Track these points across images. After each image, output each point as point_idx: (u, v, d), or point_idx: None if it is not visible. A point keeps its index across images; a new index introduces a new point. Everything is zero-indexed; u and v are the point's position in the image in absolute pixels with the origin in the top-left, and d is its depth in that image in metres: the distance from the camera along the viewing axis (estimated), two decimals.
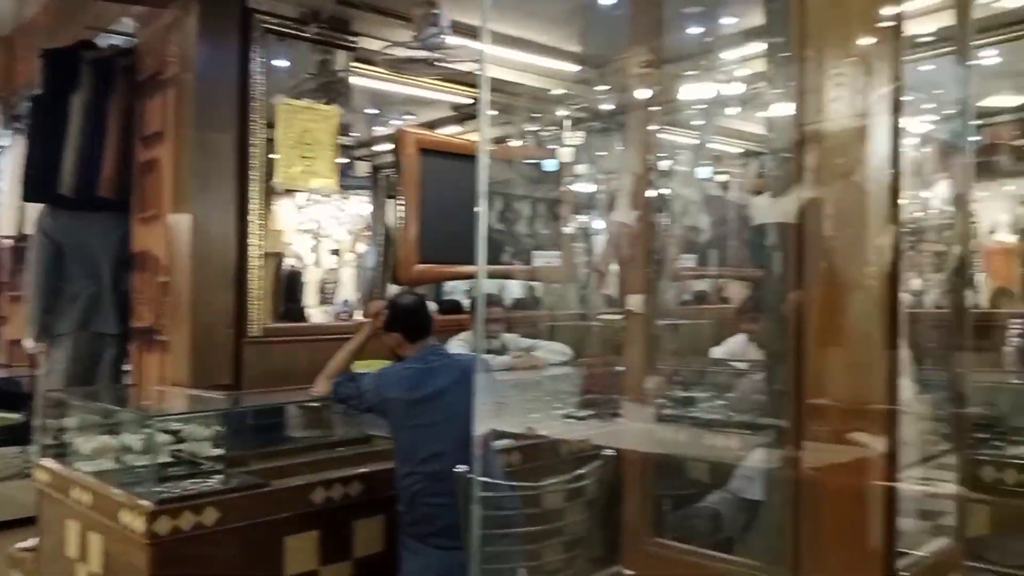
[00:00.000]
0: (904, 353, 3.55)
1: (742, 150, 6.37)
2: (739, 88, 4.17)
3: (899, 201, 1.49)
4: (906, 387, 3.33)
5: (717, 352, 4.22)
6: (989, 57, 4.31)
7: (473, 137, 5.46)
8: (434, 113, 5.60)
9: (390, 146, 5.17)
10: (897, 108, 1.50)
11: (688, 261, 6.08)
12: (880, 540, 1.43)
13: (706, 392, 3.61)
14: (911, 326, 3.29)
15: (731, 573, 1.68)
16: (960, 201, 2.43)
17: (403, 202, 4.47)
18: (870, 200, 1.45)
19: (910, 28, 2.81)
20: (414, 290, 3.60)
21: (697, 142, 5.38)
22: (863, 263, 1.43)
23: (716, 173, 6.26)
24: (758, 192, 5.56)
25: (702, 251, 6.02)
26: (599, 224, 5.77)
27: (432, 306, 4.18)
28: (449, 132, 5.41)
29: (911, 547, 1.74)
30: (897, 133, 1.50)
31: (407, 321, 2.84)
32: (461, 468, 2.26)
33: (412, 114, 5.84)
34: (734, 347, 4.11)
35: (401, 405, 2.69)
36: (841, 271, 1.46)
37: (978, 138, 6.72)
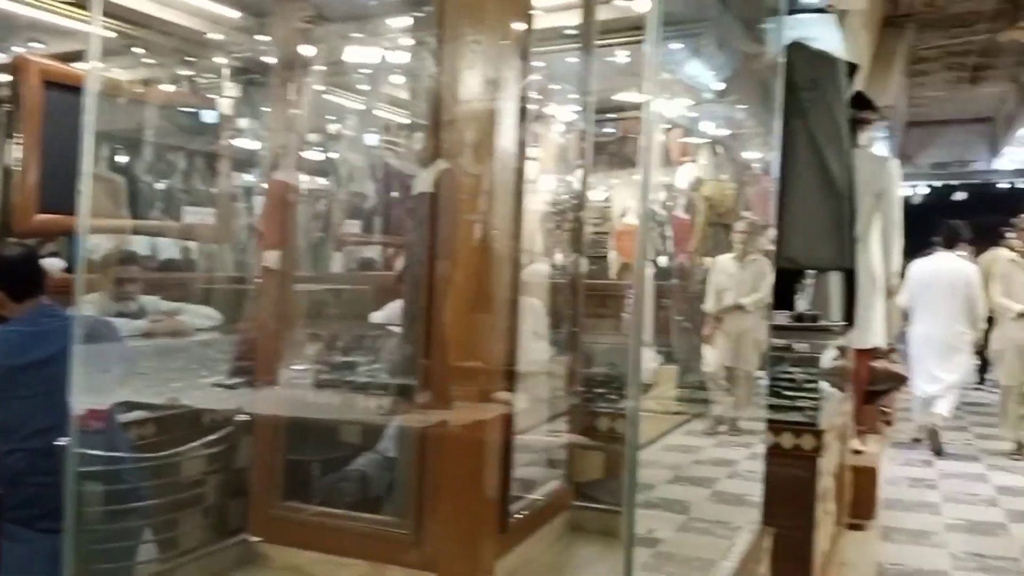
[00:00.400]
0: (542, 319, 3.86)
1: (408, 120, 6.45)
2: (404, 57, 4.19)
3: (525, 179, 1.58)
4: (542, 350, 3.63)
5: (376, 317, 4.27)
6: (623, 56, 4.83)
7: (119, 74, 4.92)
8: (70, 44, 4.93)
9: (8, 77, 4.45)
10: (525, 92, 1.58)
11: (354, 227, 6.06)
12: (495, 488, 1.52)
13: (365, 356, 3.64)
14: (552, 295, 3.59)
15: (357, 530, 1.70)
16: (586, 185, 2.66)
17: (23, 141, 3.88)
18: (497, 176, 1.52)
19: (556, 21, 3.03)
20: (25, 242, 3.15)
21: (364, 108, 5.36)
22: (488, 234, 1.50)
23: (384, 141, 6.29)
24: (419, 162, 5.67)
25: (368, 218, 6.03)
26: (262, 182, 5.52)
27: (57, 263, 3.69)
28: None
29: (528, 492, 1.89)
30: (525, 115, 1.58)
31: (10, 277, 2.47)
32: (63, 441, 2.02)
33: (41, 43, 5.09)
34: (391, 312, 4.18)
35: (1, 373, 2.34)
36: (468, 241, 1.52)
37: (612, 130, 7.55)
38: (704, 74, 5.90)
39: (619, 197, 8.04)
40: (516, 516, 1.67)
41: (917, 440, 7.11)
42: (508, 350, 1.53)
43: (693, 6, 4.01)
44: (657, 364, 7.88)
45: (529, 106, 1.56)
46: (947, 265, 7.00)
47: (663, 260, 8.03)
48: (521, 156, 1.51)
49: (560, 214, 7.79)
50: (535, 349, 3.34)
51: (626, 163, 7.58)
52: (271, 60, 5.04)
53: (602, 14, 2.47)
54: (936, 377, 6.98)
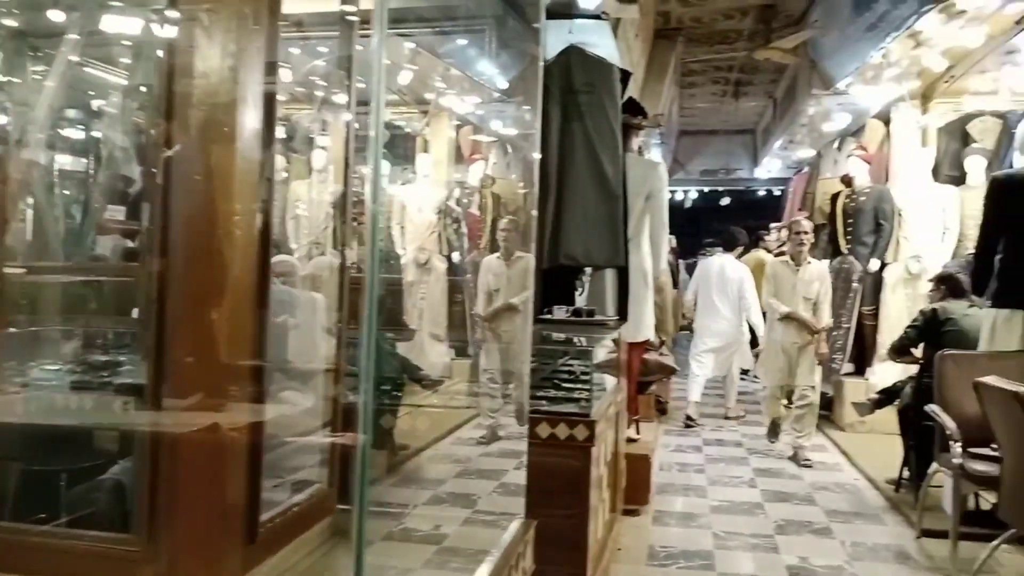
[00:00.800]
0: (327, 314, 3.70)
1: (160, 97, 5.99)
2: (172, 31, 3.88)
3: (274, 168, 1.47)
4: (324, 344, 3.48)
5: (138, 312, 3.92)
6: (406, 47, 4.79)
7: None
8: None
9: None
10: (274, 76, 1.47)
11: (118, 213, 5.54)
12: (241, 496, 1.41)
13: (128, 355, 3.32)
14: (339, 290, 3.45)
15: (80, 550, 1.51)
16: (348, 178, 2.56)
17: None
18: (241, 162, 1.39)
19: (332, 5, 2.89)
20: None
21: (128, 84, 4.91)
22: (230, 224, 1.38)
23: (152, 120, 5.79)
24: (157, 145, 5.27)
25: (135, 203, 5.53)
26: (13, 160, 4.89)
27: None
28: None
29: (285, 497, 1.78)
30: (273, 102, 1.48)
31: None
32: None
33: None
34: None
35: None
36: (208, 231, 1.38)
37: (402, 123, 7.47)
38: (492, 72, 5.97)
39: (416, 192, 7.99)
40: (268, 525, 1.56)
41: (690, 425, 7.68)
42: (256, 346, 1.41)
43: (474, 2, 4.04)
44: (450, 359, 7.93)
45: (310, 91, 1.46)
46: (728, 265, 8.05)
47: (456, 256, 8.08)
48: (269, 148, 1.40)
49: (354, 206, 7.61)
50: (322, 345, 3.21)
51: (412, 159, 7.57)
52: (12, 24, 4.50)
53: (366, 2, 2.38)
54: (715, 364, 7.97)
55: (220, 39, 1.39)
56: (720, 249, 8.20)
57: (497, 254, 6.50)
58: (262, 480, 1.46)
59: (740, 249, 8.60)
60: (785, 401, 6.70)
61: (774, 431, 6.91)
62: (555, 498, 3.25)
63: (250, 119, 1.39)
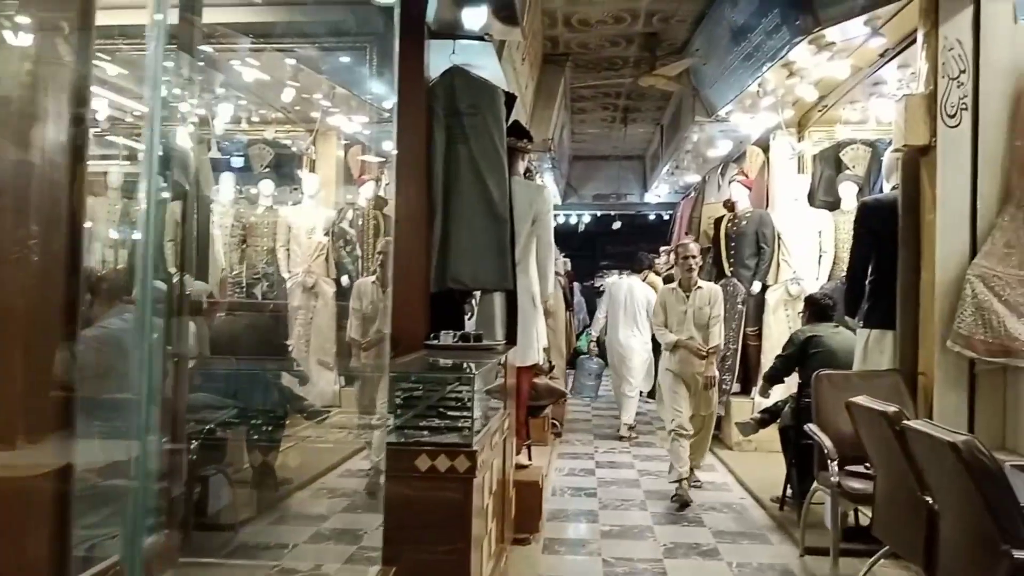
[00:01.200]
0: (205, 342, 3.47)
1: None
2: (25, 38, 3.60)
3: (83, 188, 1.33)
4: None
5: None
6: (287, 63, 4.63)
7: None
8: None
9: None
10: (82, 96, 1.32)
11: None
12: (46, 552, 1.23)
13: None
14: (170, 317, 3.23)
15: None
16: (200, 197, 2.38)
17: None
18: (39, 182, 1.23)
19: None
20: None
21: None
22: (25, 248, 1.21)
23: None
24: None
25: None
26: None
27: None
28: None
29: (110, 551, 1.59)
30: (84, 113, 1.33)
31: None
32: None
33: None
34: None
35: None
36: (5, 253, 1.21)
37: (287, 142, 7.24)
38: (379, 91, 5.82)
39: (303, 213, 7.73)
40: None
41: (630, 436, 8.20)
42: (62, 380, 1.24)
43: (355, 18, 3.92)
44: (338, 387, 7.65)
45: (85, 111, 1.30)
46: (635, 287, 8.79)
47: (345, 280, 7.85)
48: (75, 167, 1.25)
49: (245, 229, 7.38)
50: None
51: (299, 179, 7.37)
52: None
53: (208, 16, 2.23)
54: (624, 379, 8.50)
55: (18, 42, 1.23)
56: (617, 272, 8.92)
57: (373, 278, 6.09)
58: (72, 532, 1.28)
59: (646, 271, 9.30)
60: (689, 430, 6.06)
61: (686, 495, 5.85)
62: (436, 533, 3.13)
63: (53, 131, 1.23)
